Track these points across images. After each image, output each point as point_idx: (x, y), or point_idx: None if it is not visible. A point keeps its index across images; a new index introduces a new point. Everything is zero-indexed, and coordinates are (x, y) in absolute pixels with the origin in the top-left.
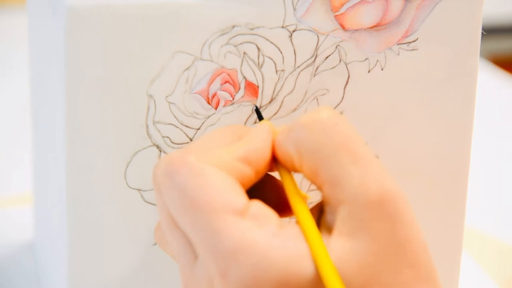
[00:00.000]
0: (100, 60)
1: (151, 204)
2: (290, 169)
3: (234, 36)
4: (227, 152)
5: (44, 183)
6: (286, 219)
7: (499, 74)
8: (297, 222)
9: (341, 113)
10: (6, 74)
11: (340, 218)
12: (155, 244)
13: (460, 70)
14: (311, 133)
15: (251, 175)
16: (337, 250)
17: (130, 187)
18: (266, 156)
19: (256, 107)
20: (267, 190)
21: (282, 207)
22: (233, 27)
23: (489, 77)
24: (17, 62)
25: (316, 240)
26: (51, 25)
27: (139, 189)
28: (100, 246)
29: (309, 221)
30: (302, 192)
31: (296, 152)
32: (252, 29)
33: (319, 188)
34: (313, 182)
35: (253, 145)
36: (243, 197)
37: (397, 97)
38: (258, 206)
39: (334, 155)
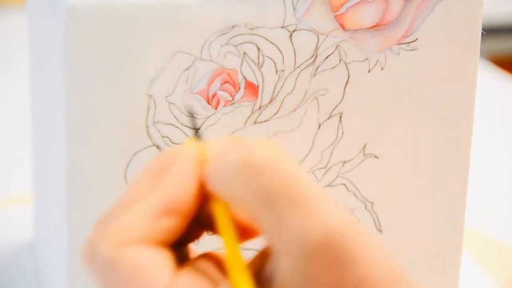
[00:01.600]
0: (100, 60)
1: None
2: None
3: (234, 36)
4: (144, 211)
5: (44, 183)
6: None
7: (499, 74)
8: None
9: (341, 113)
10: (6, 74)
11: (284, 271)
12: None
13: (460, 70)
14: (245, 180)
15: (177, 224)
16: None
17: None
18: (190, 196)
19: (190, 113)
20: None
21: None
22: (233, 27)
23: (489, 77)
24: (17, 62)
25: None
26: (51, 25)
27: None
28: None
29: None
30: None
31: (229, 199)
32: (252, 29)
33: (260, 233)
34: (252, 225)
35: (173, 190)
36: (167, 275)
37: (397, 97)
38: (186, 281)
39: (271, 203)
